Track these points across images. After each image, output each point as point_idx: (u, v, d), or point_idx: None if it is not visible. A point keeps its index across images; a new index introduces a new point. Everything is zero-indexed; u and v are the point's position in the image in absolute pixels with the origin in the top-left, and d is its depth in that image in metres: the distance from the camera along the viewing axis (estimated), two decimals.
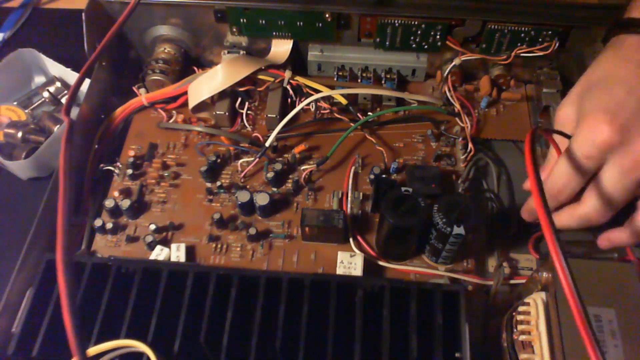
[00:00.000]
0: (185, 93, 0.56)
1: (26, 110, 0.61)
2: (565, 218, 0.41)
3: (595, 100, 0.38)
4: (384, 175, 0.51)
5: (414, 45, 0.56)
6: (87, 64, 0.44)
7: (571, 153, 0.38)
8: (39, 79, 0.65)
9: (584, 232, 0.48)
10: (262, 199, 0.48)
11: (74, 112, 0.55)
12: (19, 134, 0.57)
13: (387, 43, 0.56)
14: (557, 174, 0.40)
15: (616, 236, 0.40)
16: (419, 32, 0.54)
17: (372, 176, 0.51)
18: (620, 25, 0.40)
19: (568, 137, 0.40)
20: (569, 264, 0.29)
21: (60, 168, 0.33)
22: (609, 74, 0.39)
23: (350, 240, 0.48)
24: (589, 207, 0.39)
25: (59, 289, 0.27)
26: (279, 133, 0.52)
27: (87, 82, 0.55)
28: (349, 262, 0.46)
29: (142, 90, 0.57)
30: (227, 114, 0.55)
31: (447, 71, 0.55)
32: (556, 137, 0.41)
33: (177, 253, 0.47)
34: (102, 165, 0.53)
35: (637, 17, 0.39)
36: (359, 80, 0.57)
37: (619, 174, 0.37)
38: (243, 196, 0.49)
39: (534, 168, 0.33)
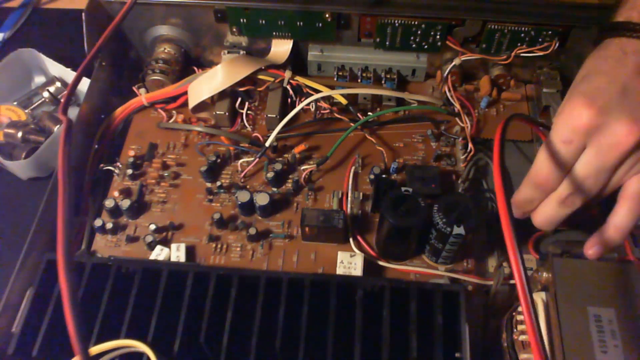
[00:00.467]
0: (185, 93, 0.56)
1: (26, 110, 0.61)
2: (545, 204, 0.41)
3: (576, 88, 0.39)
4: (384, 175, 0.51)
5: (414, 45, 0.56)
6: (85, 62, 0.44)
7: (552, 140, 0.39)
8: (39, 79, 0.65)
9: (584, 233, 0.48)
10: (262, 199, 0.48)
11: (74, 112, 0.55)
12: (19, 134, 0.57)
13: (387, 43, 0.56)
14: (539, 162, 0.40)
15: (600, 238, 0.39)
16: (419, 32, 0.54)
17: (372, 176, 0.51)
18: (606, 30, 0.41)
19: (546, 127, 0.40)
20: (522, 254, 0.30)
21: (59, 167, 0.33)
22: (591, 70, 0.40)
23: (350, 240, 0.48)
24: (564, 189, 0.39)
25: (61, 288, 0.27)
26: (279, 133, 0.52)
27: (87, 82, 0.55)
28: (349, 262, 0.46)
29: (142, 90, 0.57)
30: (227, 114, 0.55)
31: (447, 71, 0.55)
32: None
33: (177, 253, 0.47)
34: (102, 165, 0.53)
35: (621, 21, 0.40)
36: (359, 80, 0.57)
37: (594, 155, 0.37)
38: (243, 196, 0.49)
39: (499, 159, 0.33)
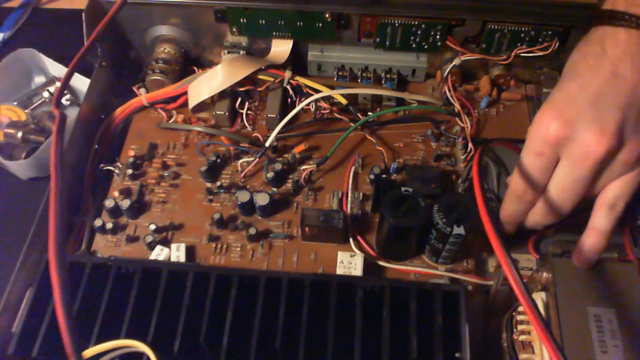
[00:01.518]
0: (185, 93, 0.56)
1: (26, 110, 0.61)
2: (533, 215, 0.42)
3: (549, 97, 0.39)
4: (384, 175, 0.51)
5: (414, 45, 0.56)
6: (78, 55, 0.43)
7: (525, 152, 0.39)
8: (39, 79, 0.65)
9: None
10: (262, 199, 0.48)
11: (74, 111, 0.55)
12: (19, 134, 0.57)
13: (387, 43, 0.56)
14: (516, 176, 0.40)
15: (585, 246, 0.39)
16: (419, 32, 0.54)
17: (372, 176, 0.51)
18: (592, 18, 0.40)
19: (514, 142, 0.41)
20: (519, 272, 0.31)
21: (52, 161, 0.33)
22: (570, 69, 0.40)
23: (350, 240, 0.48)
24: (547, 200, 0.40)
25: (52, 288, 0.27)
26: (279, 133, 0.52)
27: (87, 82, 0.55)
28: (349, 262, 0.46)
29: (142, 90, 0.57)
30: (227, 114, 0.55)
31: (447, 71, 0.55)
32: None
33: (177, 253, 0.47)
34: (102, 165, 0.53)
35: (606, 9, 0.39)
36: (359, 80, 0.57)
37: (568, 168, 0.37)
38: (243, 196, 0.49)
39: (480, 187, 0.35)
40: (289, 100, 0.57)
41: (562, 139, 0.37)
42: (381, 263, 0.47)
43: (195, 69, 0.59)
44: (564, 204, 0.39)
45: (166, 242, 0.49)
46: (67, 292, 0.27)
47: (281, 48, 0.57)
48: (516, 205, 0.42)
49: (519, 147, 0.42)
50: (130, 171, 0.53)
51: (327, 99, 0.55)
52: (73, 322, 0.27)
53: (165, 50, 0.58)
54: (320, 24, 0.54)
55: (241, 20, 0.55)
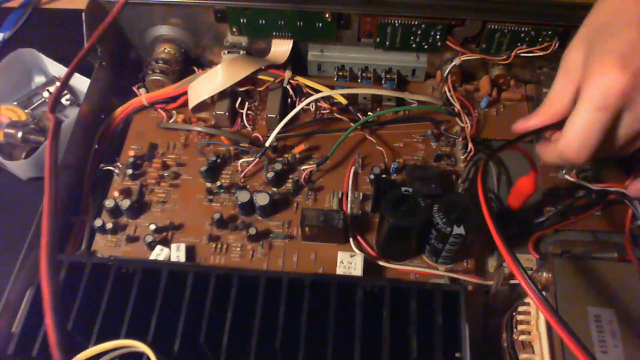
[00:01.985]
0: (185, 93, 0.56)
1: (26, 110, 0.61)
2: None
3: (605, 45, 0.35)
4: (384, 175, 0.51)
5: (414, 45, 0.56)
6: (77, 58, 0.43)
7: (588, 107, 0.35)
8: (39, 79, 0.65)
9: (584, 233, 0.48)
10: (262, 199, 0.48)
11: (74, 111, 0.55)
12: (19, 134, 0.57)
13: (387, 43, 0.56)
14: (573, 133, 0.36)
15: None
16: (419, 32, 0.54)
17: (372, 176, 0.51)
18: None
19: (518, 140, 0.40)
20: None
21: (46, 167, 0.33)
22: (617, 13, 0.36)
23: (350, 240, 0.48)
24: (612, 152, 0.38)
25: (42, 293, 0.27)
26: (279, 133, 0.52)
27: (87, 82, 0.55)
28: (349, 262, 0.46)
29: (142, 90, 0.57)
30: (227, 114, 0.55)
31: (447, 71, 0.55)
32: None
33: (177, 253, 0.47)
34: (102, 165, 0.53)
35: None
36: (359, 80, 0.57)
37: (635, 119, 0.35)
38: (243, 196, 0.49)
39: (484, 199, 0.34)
40: (289, 100, 0.57)
41: (629, 92, 0.34)
42: (381, 263, 0.47)
43: (195, 69, 0.59)
44: (629, 151, 0.38)
45: (166, 242, 0.49)
46: (57, 299, 0.27)
47: (281, 48, 0.57)
48: (563, 162, 0.39)
49: (522, 147, 0.42)
50: (130, 171, 0.53)
51: (327, 99, 0.55)
52: (62, 335, 0.27)
53: (165, 50, 0.58)
54: (320, 24, 0.54)
55: (241, 20, 0.55)
